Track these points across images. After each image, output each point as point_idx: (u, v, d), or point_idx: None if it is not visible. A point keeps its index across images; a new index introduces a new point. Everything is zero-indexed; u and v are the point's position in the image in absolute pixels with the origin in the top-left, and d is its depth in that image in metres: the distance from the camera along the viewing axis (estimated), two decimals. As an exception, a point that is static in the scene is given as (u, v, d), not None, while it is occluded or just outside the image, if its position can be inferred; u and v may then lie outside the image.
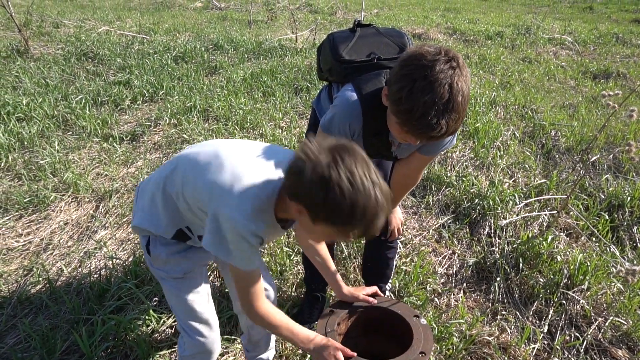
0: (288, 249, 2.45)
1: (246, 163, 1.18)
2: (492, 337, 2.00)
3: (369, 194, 0.98)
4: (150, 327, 1.91)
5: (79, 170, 3.16)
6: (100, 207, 2.82)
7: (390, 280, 2.14)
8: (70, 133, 3.70)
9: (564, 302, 2.19)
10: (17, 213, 2.71)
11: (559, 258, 2.37)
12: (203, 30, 7.85)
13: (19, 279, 2.23)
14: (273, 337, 1.73)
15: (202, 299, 1.44)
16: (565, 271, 2.30)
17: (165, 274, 1.38)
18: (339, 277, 1.61)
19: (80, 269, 2.31)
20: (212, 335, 1.49)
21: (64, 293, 2.07)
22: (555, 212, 2.70)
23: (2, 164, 3.16)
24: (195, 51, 5.94)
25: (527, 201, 2.86)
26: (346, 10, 11.49)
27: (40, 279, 2.21)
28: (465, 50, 7.26)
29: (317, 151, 0.99)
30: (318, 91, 1.86)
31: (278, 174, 1.17)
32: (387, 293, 2.13)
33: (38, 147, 3.38)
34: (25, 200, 2.76)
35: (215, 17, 9.95)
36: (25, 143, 3.42)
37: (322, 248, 1.62)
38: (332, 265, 1.63)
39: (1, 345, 1.84)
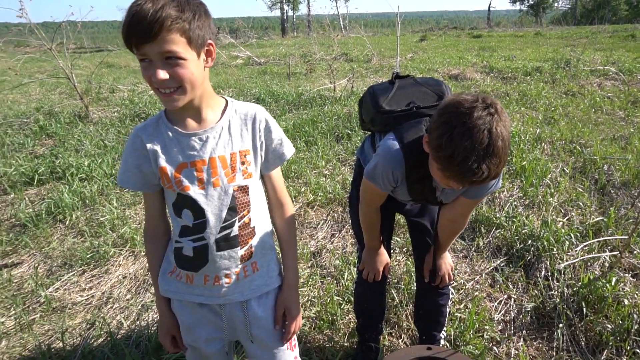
0: (338, 298, 2.44)
1: None
2: (560, 389, 1.87)
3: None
4: (206, 381, 1.93)
5: (135, 225, 3.33)
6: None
7: (445, 328, 2.07)
8: (127, 190, 3.93)
9: (638, 350, 2.04)
10: (80, 268, 2.87)
11: (626, 302, 2.23)
12: (245, 85, 8.27)
13: (83, 332, 2.33)
14: None
15: None
16: (636, 316, 2.15)
17: None
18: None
19: (138, 322, 2.39)
20: None
21: (124, 346, 2.14)
22: (618, 252, 2.56)
23: (67, 222, 3.39)
24: (239, 106, 6.24)
25: (585, 243, 2.73)
26: (381, 57, 11.80)
27: (102, 332, 2.30)
28: (504, 87, 7.23)
29: None
30: (359, 138, 1.92)
31: None
32: (442, 342, 2.06)
33: (98, 205, 3.61)
34: (87, 256, 2.93)
35: (256, 72, 10.47)
36: (87, 201, 3.66)
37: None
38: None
39: (67, 400, 1.91)
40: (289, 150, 1.35)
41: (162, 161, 1.17)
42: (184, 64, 1.07)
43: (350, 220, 2.10)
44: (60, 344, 2.22)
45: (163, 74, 1.05)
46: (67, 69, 6.13)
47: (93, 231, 3.27)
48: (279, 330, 1.37)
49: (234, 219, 1.23)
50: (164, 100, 1.11)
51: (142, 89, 8.24)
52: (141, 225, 3.31)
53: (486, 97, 1.21)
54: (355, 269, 2.37)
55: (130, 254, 3.02)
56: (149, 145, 1.17)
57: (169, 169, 1.17)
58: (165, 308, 1.33)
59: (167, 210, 1.27)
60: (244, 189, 1.24)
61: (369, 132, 1.86)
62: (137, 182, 1.21)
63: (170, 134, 1.19)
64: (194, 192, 1.18)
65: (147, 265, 1.35)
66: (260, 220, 1.31)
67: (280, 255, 1.42)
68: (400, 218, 3.03)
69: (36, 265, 2.93)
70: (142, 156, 1.19)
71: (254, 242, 1.29)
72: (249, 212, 1.26)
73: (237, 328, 1.33)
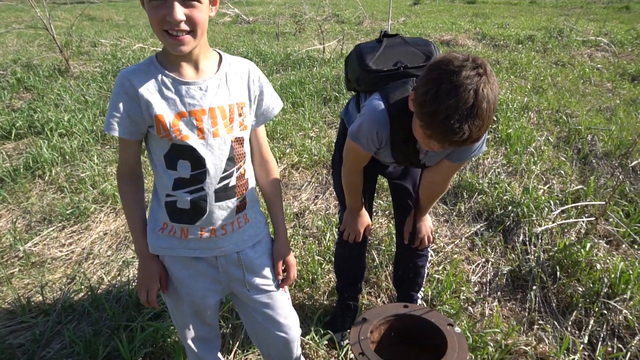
0: (319, 258, 2.47)
1: None
2: (529, 347, 1.95)
3: None
4: (186, 334, 1.96)
5: (116, 182, 3.28)
6: (138, 218, 2.91)
7: (422, 289, 2.12)
8: (108, 147, 3.86)
9: (605, 312, 2.12)
10: (60, 224, 2.84)
11: (598, 266, 2.30)
12: (232, 44, 8.05)
13: (63, 287, 2.33)
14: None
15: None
16: (606, 280, 2.22)
17: None
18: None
19: (119, 277, 2.39)
20: None
21: (105, 300, 2.15)
22: (594, 218, 2.61)
23: (47, 178, 3.33)
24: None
25: (563, 208, 2.78)
26: (373, 20, 11.54)
27: (83, 287, 2.30)
28: (495, 55, 7.16)
29: None
30: (346, 101, 1.89)
31: None
32: (419, 302, 2.11)
33: (79, 161, 3.54)
34: (67, 212, 2.89)
35: (244, 31, 10.18)
36: (67, 157, 3.59)
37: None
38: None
39: (48, 350, 1.92)
40: (278, 105, 1.37)
41: (158, 109, 1.13)
42: (200, 7, 1.06)
43: (332, 182, 2.09)
44: (40, 298, 2.22)
45: (181, 14, 1.03)
46: (45, 19, 5.88)
47: (73, 187, 3.22)
48: (278, 279, 1.43)
49: (232, 169, 1.25)
50: (171, 43, 1.08)
51: (125, 44, 7.96)
52: (123, 183, 3.26)
53: (477, 58, 1.18)
54: (336, 230, 2.39)
55: (112, 210, 2.99)
56: (141, 91, 1.12)
57: (167, 118, 1.13)
58: (150, 255, 1.29)
59: (155, 164, 1.22)
60: (240, 141, 1.26)
61: (355, 93, 1.82)
62: (125, 128, 1.16)
63: (167, 80, 1.14)
64: (194, 141, 1.16)
65: (124, 206, 1.29)
66: (250, 173, 1.34)
67: (267, 209, 1.45)
68: (384, 181, 3.03)
69: (14, 220, 2.89)
70: (132, 101, 1.13)
71: (247, 193, 1.31)
72: (244, 163, 1.29)
73: (233, 278, 1.35)
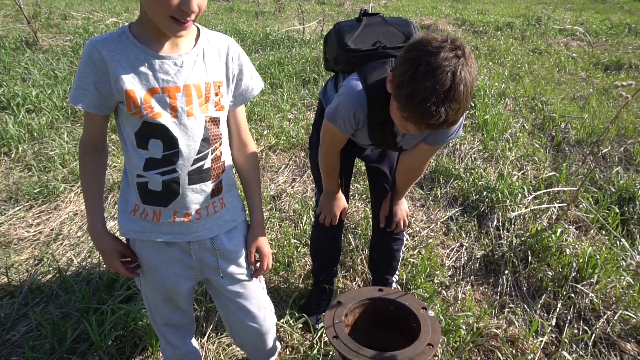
0: (296, 241, 2.45)
1: None
2: (500, 330, 1.99)
3: None
4: (159, 317, 1.93)
5: (87, 161, 3.18)
6: (109, 198, 2.83)
7: (397, 272, 2.13)
8: (79, 124, 3.72)
9: (573, 295, 2.18)
10: (27, 203, 2.74)
11: (567, 251, 2.36)
12: (210, 21, 7.84)
13: (30, 268, 2.26)
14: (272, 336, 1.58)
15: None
16: (575, 264, 2.29)
17: None
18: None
19: (89, 259, 2.33)
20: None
21: (74, 282, 2.09)
22: (565, 204, 2.67)
23: (13, 155, 3.19)
24: (203, 43, 5.92)
25: (536, 193, 2.84)
26: (354, 1, 11.40)
27: (51, 268, 2.23)
28: (475, 41, 7.19)
29: None
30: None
31: None
32: (394, 285, 2.13)
33: (47, 139, 3.41)
34: (35, 191, 2.79)
35: (222, 9, 9.93)
36: (35, 134, 3.45)
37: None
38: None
39: (13, 333, 1.86)
40: (258, 85, 1.31)
41: (129, 84, 1.06)
42: None
43: (310, 164, 2.07)
44: (5, 279, 2.14)
45: (196, 4, 1.00)
46: (11, -11, 5.58)
47: (41, 165, 3.10)
48: (252, 268, 1.40)
49: (207, 151, 1.19)
50: (176, 28, 1.03)
51: (97, 18, 7.66)
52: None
53: (456, 39, 1.16)
54: (313, 212, 2.37)
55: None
56: (111, 63, 1.05)
57: (138, 94, 1.07)
58: (106, 230, 1.23)
59: (125, 142, 1.15)
60: (215, 121, 1.20)
61: (333, 73, 1.79)
62: (92, 102, 1.09)
63: (139, 53, 1.07)
64: (166, 119, 1.10)
65: (82, 181, 1.21)
66: (227, 156, 1.28)
67: (245, 194, 1.40)
68: (361, 165, 3.03)
69: (-22, 198, 2.77)
70: (101, 73, 1.06)
71: (223, 176, 1.26)
72: (220, 144, 1.23)
73: (206, 265, 1.31)
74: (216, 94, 1.18)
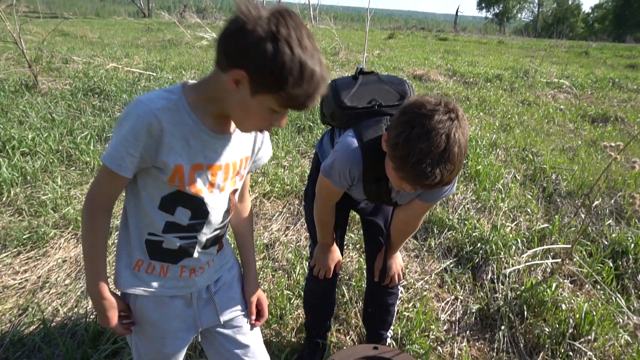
0: (288, 292, 2.41)
1: None
2: (498, 390, 1.93)
3: (315, 56, 0.93)
4: (145, 373, 1.85)
5: (80, 206, 3.15)
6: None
7: (392, 327, 2.09)
8: (74, 168, 3.72)
9: (571, 353, 2.14)
10: (15, 249, 2.68)
11: (563, 306, 2.33)
12: (209, 67, 8.03)
13: (13, 318, 2.18)
14: None
15: None
16: (571, 320, 2.26)
17: None
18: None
19: (76, 309, 2.26)
20: None
21: (59, 335, 2.02)
22: (559, 260, 2.67)
23: (4, 199, 3.16)
24: (201, 89, 6.05)
25: (530, 251, 2.83)
26: (348, 51, 11.79)
27: (35, 319, 2.16)
28: (466, 92, 7.40)
29: (256, 9, 0.90)
30: (321, 130, 1.89)
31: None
32: (389, 340, 2.08)
33: (41, 182, 3.39)
34: (24, 237, 2.74)
35: (212, 48, 10.19)
36: (28, 178, 3.43)
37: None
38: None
39: (-10, 390, 1.78)
40: (269, 153, 1.34)
41: (179, 158, 1.04)
42: None
43: (304, 214, 2.06)
44: (-13, 330, 2.07)
45: (285, 123, 1.06)
46: (15, 33, 5.72)
47: (33, 210, 3.07)
48: (252, 319, 1.39)
49: (226, 221, 1.23)
50: (252, 132, 1.15)
51: (98, 62, 7.83)
52: (86, 207, 3.13)
53: (449, 102, 1.20)
54: (307, 263, 2.35)
55: (73, 236, 2.86)
56: (167, 135, 1.01)
57: (185, 168, 1.06)
58: (110, 291, 1.17)
59: (143, 199, 1.10)
60: (235, 192, 1.23)
61: (329, 126, 1.83)
62: (133, 169, 1.03)
63: (195, 129, 1.05)
64: (205, 194, 1.12)
65: (92, 242, 1.13)
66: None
67: (238, 247, 1.43)
68: (355, 215, 3.02)
69: (-35, 243, 2.71)
70: (154, 142, 1.01)
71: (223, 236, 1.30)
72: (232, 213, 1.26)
73: (206, 314, 1.29)
74: (244, 168, 1.22)
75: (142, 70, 7.14)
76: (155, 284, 1.19)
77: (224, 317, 1.31)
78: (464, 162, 4.06)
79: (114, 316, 1.18)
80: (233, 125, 1.13)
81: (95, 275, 1.15)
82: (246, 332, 1.37)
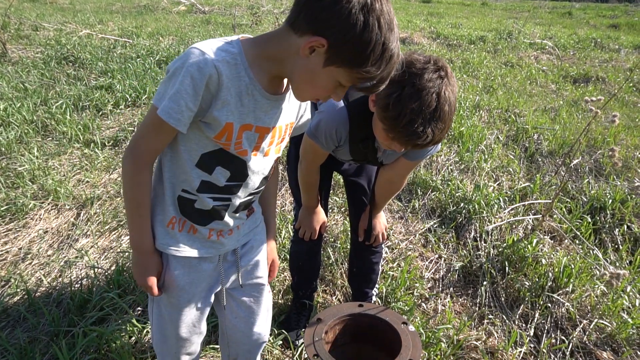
0: (274, 256, 2.42)
1: None
2: (480, 342, 2.00)
3: (397, 39, 0.90)
4: (133, 338, 1.86)
5: (59, 177, 3.09)
6: (82, 215, 2.75)
7: (377, 286, 2.13)
8: (50, 139, 3.62)
9: (550, 305, 2.21)
10: (-6, 222, 2.63)
11: (543, 261, 2.39)
12: (187, 34, 7.78)
13: (-4, 290, 2.16)
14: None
15: None
16: (550, 274, 2.32)
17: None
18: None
19: (60, 279, 2.24)
20: None
21: (43, 304, 2.01)
22: (540, 216, 2.72)
23: (-21, 171, 3.07)
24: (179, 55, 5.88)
25: (512, 207, 2.88)
26: (331, 15, 11.50)
27: (18, 289, 2.14)
28: (449, 54, 7.34)
29: None
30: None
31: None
32: (374, 299, 2.12)
33: (16, 154, 3.29)
34: (2, 209, 2.68)
35: (199, 21, 9.88)
36: (3, 149, 3.33)
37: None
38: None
39: (-23, 360, 1.77)
40: (308, 121, 1.31)
41: (230, 116, 0.99)
42: None
43: (287, 178, 2.05)
44: (-31, 302, 2.04)
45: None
46: (-21, 0, 5.43)
47: (10, 182, 2.99)
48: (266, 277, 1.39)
49: (263, 187, 1.20)
50: (312, 99, 1.10)
51: (70, 29, 7.51)
52: (66, 177, 3.07)
53: (438, 60, 1.18)
54: (292, 227, 2.35)
55: (53, 207, 2.81)
56: (224, 90, 0.95)
57: (235, 127, 1.01)
58: (154, 250, 1.15)
59: (181, 154, 1.06)
60: (278, 160, 1.21)
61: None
62: (187, 122, 0.97)
63: (250, 87, 0.99)
64: (249, 156, 1.08)
65: (137, 198, 1.08)
66: None
67: (262, 206, 1.38)
68: (340, 178, 3.02)
69: (-59, 217, 2.65)
70: (210, 96, 0.96)
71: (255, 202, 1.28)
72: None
73: (228, 275, 1.28)
74: (288, 134, 1.18)
75: (117, 37, 6.88)
76: (185, 244, 1.16)
77: (245, 281, 1.31)
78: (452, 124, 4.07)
79: (154, 273, 1.15)
80: (282, 87, 1.08)
81: (142, 232, 1.12)
82: (260, 300, 1.37)
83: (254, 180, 1.14)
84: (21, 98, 4.16)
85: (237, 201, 1.15)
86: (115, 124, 3.95)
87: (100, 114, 4.11)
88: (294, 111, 1.17)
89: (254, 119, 1.03)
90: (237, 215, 1.20)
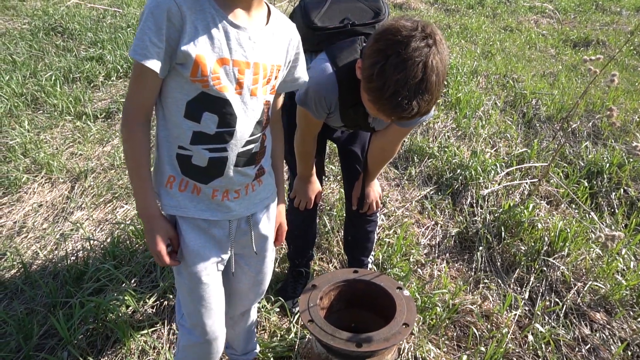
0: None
1: None
2: (475, 306, 2.02)
3: None
4: (130, 308, 1.88)
5: (51, 150, 3.05)
6: (76, 188, 2.73)
7: (372, 253, 2.13)
8: (41, 112, 3.56)
9: (545, 269, 2.22)
10: (-13, 196, 2.61)
11: (539, 226, 2.39)
12: (178, 2, 7.58)
13: (-8, 263, 2.16)
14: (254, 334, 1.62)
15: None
16: (546, 239, 2.33)
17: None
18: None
19: (56, 252, 2.24)
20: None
21: (40, 277, 2.01)
22: (536, 180, 2.71)
23: (-31, 146, 3.03)
24: (170, 24, 5.73)
25: (508, 170, 2.87)
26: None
27: (15, 263, 2.14)
28: (447, 19, 7.17)
29: None
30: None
31: None
32: (370, 266, 2.12)
33: (7, 127, 3.25)
34: (-5, 183, 2.66)
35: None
36: (-7, 123, 3.28)
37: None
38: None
39: (-24, 332, 1.79)
40: (305, 78, 1.28)
41: (200, 48, 0.97)
42: None
43: (282, 146, 2.01)
44: (-34, 276, 2.05)
45: None
46: (-39, -31, 5.25)
47: (1, 156, 2.96)
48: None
49: (259, 134, 1.16)
50: None
51: None
52: (59, 151, 3.04)
53: (426, 26, 1.12)
54: (287, 196, 2.34)
55: (47, 180, 2.78)
56: (188, 25, 0.95)
57: (208, 60, 0.99)
58: (160, 213, 1.13)
59: (170, 107, 1.06)
60: (269, 104, 1.16)
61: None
62: (159, 60, 0.96)
63: (217, 17, 0.99)
64: (230, 94, 1.04)
65: (134, 157, 1.08)
66: (269, 141, 1.26)
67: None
68: (336, 146, 2.99)
69: None
70: (174, 30, 0.95)
71: (264, 161, 1.23)
72: (267, 128, 1.20)
73: (239, 244, 1.27)
74: (275, 77, 1.14)
75: (107, 6, 6.69)
76: (189, 205, 1.14)
77: (258, 244, 1.31)
78: (445, 90, 4.00)
79: (163, 238, 1.12)
80: (259, 21, 1.07)
81: (143, 195, 1.10)
82: (266, 260, 1.38)
83: (246, 125, 1.10)
84: (10, 71, 4.07)
85: (234, 152, 1.11)
86: (107, 95, 3.88)
87: (91, 85, 4.04)
88: (279, 53, 1.13)
89: (228, 52, 1.01)
90: (241, 170, 1.15)
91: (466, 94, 3.87)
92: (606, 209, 2.71)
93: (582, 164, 3.04)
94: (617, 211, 2.68)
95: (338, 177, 2.92)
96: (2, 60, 4.37)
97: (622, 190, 2.80)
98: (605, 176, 2.87)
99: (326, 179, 2.89)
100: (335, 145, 1.95)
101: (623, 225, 2.59)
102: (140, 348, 1.73)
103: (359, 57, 1.35)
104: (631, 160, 2.98)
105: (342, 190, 2.71)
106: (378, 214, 2.05)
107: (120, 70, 4.25)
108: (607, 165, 2.92)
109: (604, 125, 3.52)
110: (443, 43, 1.12)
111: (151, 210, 1.11)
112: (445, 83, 4.14)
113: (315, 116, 1.50)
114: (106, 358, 1.71)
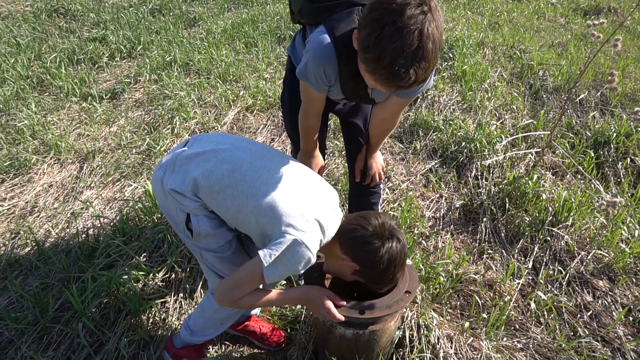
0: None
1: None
2: (478, 275, 2.04)
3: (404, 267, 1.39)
4: (140, 282, 1.93)
5: (59, 131, 3.09)
6: (84, 168, 2.77)
7: (377, 226, 2.15)
8: (47, 94, 3.59)
9: (549, 238, 2.24)
10: (-1, 177, 2.67)
11: (544, 196, 2.39)
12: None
13: (7, 242, 2.22)
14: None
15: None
16: (551, 209, 2.33)
17: (206, 245, 1.41)
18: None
19: (67, 230, 2.30)
20: None
21: (53, 254, 2.07)
22: (540, 149, 2.70)
23: (-21, 129, 3.08)
24: (173, 2, 5.68)
25: (511, 138, 2.84)
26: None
27: (28, 241, 2.20)
28: (453, -10, 7.00)
29: None
30: (295, 36, 1.80)
31: None
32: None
33: (14, 110, 3.28)
34: (5, 164, 2.71)
35: (191, -34, 9.45)
36: (1, 106, 3.32)
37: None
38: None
39: (-6, 307, 1.85)
40: None
41: None
42: None
43: (283, 121, 2.03)
44: (-18, 254, 2.11)
45: None
46: (-39, -48, 5.22)
47: (10, 138, 3.00)
48: None
49: None
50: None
51: (59, -19, 7.24)
52: (66, 132, 3.07)
53: None
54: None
55: (56, 161, 2.83)
56: None
57: None
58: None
59: None
60: None
61: (300, 26, 1.73)
62: None
63: None
64: None
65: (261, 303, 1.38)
66: None
67: None
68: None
69: (-53, 174, 2.69)
70: None
71: None
72: None
73: None
74: None
75: (108, -14, 6.62)
76: None
77: None
78: (450, 62, 3.95)
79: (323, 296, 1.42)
80: None
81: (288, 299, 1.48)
82: None
83: None
84: (14, 53, 4.09)
85: None
86: (112, 76, 3.89)
87: (96, 66, 4.05)
88: None
89: None
90: None
91: (472, 67, 3.82)
92: (612, 178, 2.70)
93: (589, 134, 3.01)
94: (623, 180, 2.66)
95: (342, 152, 2.93)
96: (7, 43, 4.38)
97: (629, 159, 2.78)
98: (612, 146, 2.85)
99: (331, 154, 2.90)
100: (338, 118, 1.96)
101: (629, 194, 2.58)
102: (150, 320, 1.79)
103: (357, 28, 1.34)
104: (639, 129, 2.95)
105: (346, 164, 2.72)
106: (382, 186, 2.06)
107: (124, 51, 4.24)
108: (614, 134, 2.89)
109: (612, 94, 3.47)
110: (438, 10, 1.11)
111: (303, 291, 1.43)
112: (451, 54, 4.10)
113: (316, 89, 1.50)
114: (119, 328, 1.77)
